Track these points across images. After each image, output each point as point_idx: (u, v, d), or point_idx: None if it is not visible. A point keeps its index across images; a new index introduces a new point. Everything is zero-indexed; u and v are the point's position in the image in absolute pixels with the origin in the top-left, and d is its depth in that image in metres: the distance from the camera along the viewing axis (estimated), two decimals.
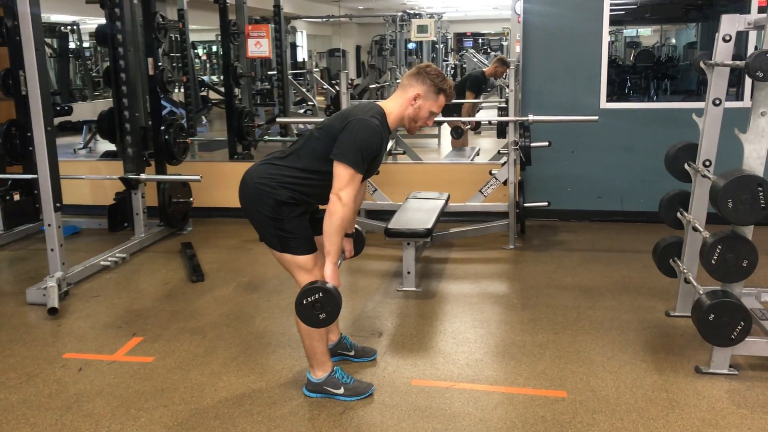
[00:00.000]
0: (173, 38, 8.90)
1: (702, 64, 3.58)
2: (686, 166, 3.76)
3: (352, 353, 3.38)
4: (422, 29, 9.51)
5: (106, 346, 3.63)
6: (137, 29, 5.62)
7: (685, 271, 3.70)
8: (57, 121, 11.85)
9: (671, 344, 3.53)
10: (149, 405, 3.01)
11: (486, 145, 9.55)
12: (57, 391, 3.14)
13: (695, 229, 3.61)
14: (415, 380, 3.18)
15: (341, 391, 3.00)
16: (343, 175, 2.70)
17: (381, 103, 2.92)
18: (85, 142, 10.38)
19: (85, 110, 11.98)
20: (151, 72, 5.52)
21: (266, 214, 2.83)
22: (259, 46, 6.53)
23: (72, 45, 14.47)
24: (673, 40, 14.12)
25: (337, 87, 5.60)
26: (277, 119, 6.81)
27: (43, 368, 3.38)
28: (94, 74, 14.43)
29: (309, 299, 2.65)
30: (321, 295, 2.64)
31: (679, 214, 3.83)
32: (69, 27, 14.17)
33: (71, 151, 10.17)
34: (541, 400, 2.99)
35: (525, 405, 2.95)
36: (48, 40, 13.60)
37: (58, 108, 12.07)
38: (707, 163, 3.62)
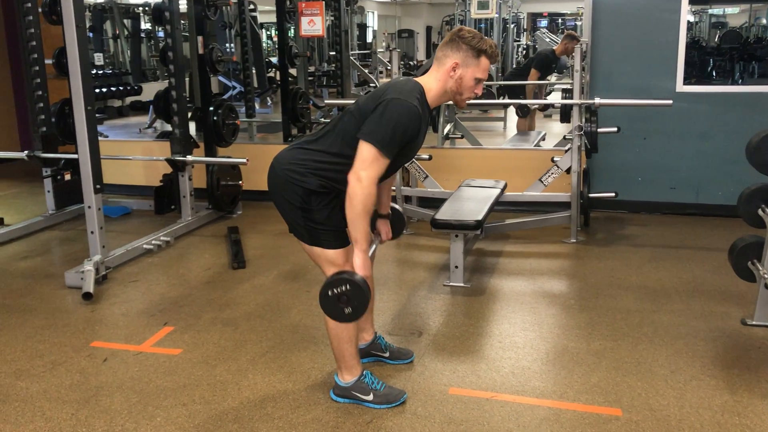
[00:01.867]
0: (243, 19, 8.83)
1: None
2: None
3: (387, 355, 3.13)
4: (483, 5, 9.11)
5: (136, 336, 3.49)
6: (191, 6, 5.49)
7: (765, 275, 3.30)
8: (128, 100, 12.16)
9: (746, 358, 3.13)
10: (168, 403, 2.84)
11: (555, 129, 9.08)
12: (78, 383, 3.02)
13: None
14: (453, 388, 2.90)
15: (370, 397, 2.76)
16: (366, 154, 2.42)
17: (419, 79, 2.64)
18: (151, 122, 10.42)
19: (155, 90, 12.13)
20: (200, 51, 5.38)
21: (295, 203, 2.60)
22: (313, 24, 6.30)
23: (146, 26, 14.68)
24: (764, 20, 13.23)
25: (389, 66, 5.31)
26: (327, 101, 6.60)
27: (69, 357, 3.27)
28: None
29: (335, 291, 2.41)
30: (348, 287, 2.39)
31: (760, 211, 3.41)
32: (141, 8, 14.35)
33: (137, 131, 10.25)
34: (591, 418, 2.67)
35: (573, 423, 2.63)
36: (125, 22, 13.86)
37: (129, 88, 12.34)
38: None
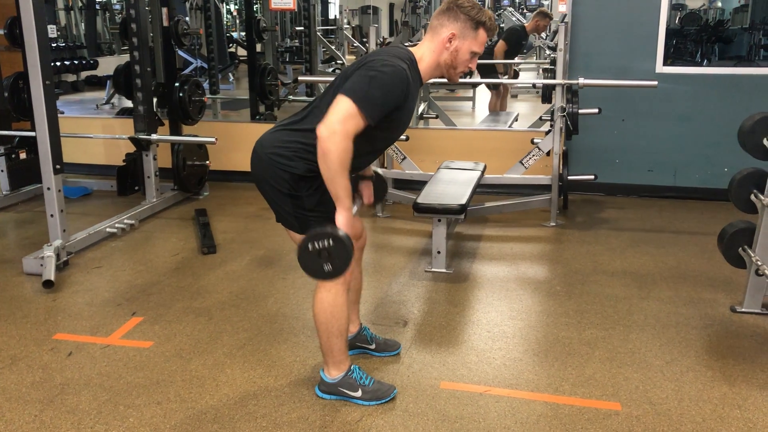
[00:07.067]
0: None
1: None
2: (765, 142, 3.25)
3: (373, 347, 2.98)
4: None
5: (102, 327, 3.27)
6: None
7: (758, 262, 3.23)
8: (84, 75, 11.71)
9: (740, 347, 3.06)
10: (141, 401, 2.64)
11: (524, 109, 8.99)
12: (41, 380, 2.80)
13: None
14: (444, 382, 2.77)
15: (359, 393, 2.61)
16: (342, 106, 2.22)
17: (410, 48, 2.46)
18: (108, 98, 10.05)
19: (111, 65, 11.71)
20: (164, 23, 5.09)
21: (282, 190, 2.41)
22: None
23: None
24: (719, 3, 13.38)
25: (367, 45, 5.13)
26: (300, 78, 6.35)
27: (30, 351, 3.04)
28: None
29: (316, 245, 2.26)
30: (331, 242, 2.25)
31: (752, 197, 3.33)
32: None
33: (94, 107, 9.87)
34: (590, 413, 2.56)
35: (572, 419, 2.52)
36: None
37: (84, 62, 11.88)
38: None
